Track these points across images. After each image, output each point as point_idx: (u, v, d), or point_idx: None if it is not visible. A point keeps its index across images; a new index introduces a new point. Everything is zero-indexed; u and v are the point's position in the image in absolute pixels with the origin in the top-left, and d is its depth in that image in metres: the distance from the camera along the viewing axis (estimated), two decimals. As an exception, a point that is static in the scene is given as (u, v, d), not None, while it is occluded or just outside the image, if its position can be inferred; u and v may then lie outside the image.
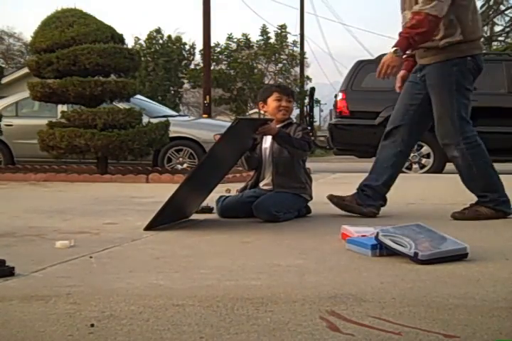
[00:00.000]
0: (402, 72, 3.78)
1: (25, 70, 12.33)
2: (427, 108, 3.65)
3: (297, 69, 25.97)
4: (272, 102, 3.83)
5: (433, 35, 3.49)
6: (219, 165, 3.65)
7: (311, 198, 3.86)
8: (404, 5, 3.63)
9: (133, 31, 50.63)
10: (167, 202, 3.24)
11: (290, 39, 24.73)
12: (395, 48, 3.38)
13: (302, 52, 25.36)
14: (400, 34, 3.43)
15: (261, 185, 3.88)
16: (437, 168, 8.77)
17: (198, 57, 25.36)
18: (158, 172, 7.48)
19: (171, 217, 3.47)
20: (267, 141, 3.82)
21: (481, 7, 22.52)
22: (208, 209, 3.93)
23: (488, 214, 3.56)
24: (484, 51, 19.13)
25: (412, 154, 8.83)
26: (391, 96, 8.86)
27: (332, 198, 3.87)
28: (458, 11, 3.48)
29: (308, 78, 26.69)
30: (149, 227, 3.25)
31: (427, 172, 8.70)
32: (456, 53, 3.53)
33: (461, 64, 3.54)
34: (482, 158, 3.60)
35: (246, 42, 24.23)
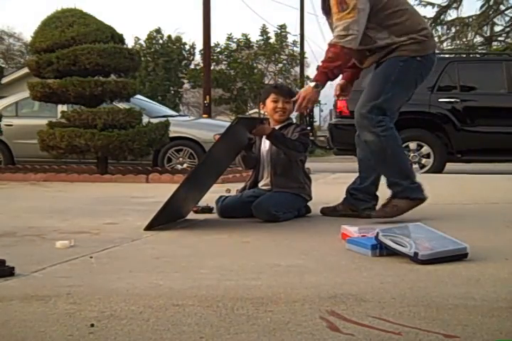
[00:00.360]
0: (341, 82, 3.86)
1: (25, 70, 12.35)
2: None
3: (297, 69, 25.97)
4: (269, 103, 3.83)
5: (347, 66, 3.62)
6: (216, 164, 3.66)
7: (311, 198, 3.86)
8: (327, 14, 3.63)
9: (133, 31, 50.64)
10: (167, 202, 3.24)
11: (290, 39, 24.76)
12: (314, 83, 3.46)
13: (302, 52, 25.35)
14: (318, 68, 3.48)
15: (260, 185, 3.89)
16: (437, 168, 8.77)
17: (198, 57, 25.38)
18: (158, 172, 7.48)
19: (169, 217, 3.47)
20: (266, 141, 3.82)
21: (481, 7, 22.54)
22: (208, 209, 3.93)
23: (406, 208, 3.52)
24: (484, 51, 19.06)
25: (412, 154, 8.85)
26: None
27: (325, 212, 3.85)
28: (389, 18, 3.49)
29: (308, 78, 26.66)
30: (149, 227, 3.25)
31: (427, 172, 8.70)
32: (407, 52, 3.52)
33: (410, 62, 3.53)
34: (396, 141, 3.57)
35: (246, 42, 24.22)
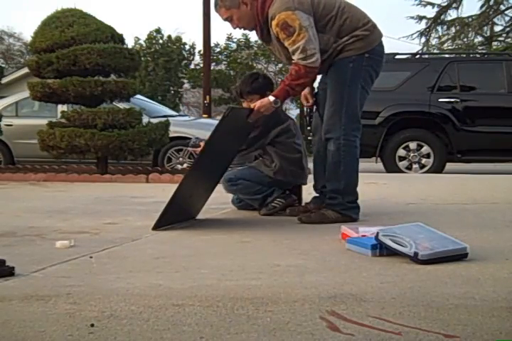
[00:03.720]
0: (306, 90, 3.79)
1: (25, 70, 12.36)
2: None
3: (297, 69, 25.90)
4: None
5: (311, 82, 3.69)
6: (219, 157, 3.66)
7: (286, 180, 3.94)
8: (284, 60, 3.67)
9: (133, 31, 50.60)
10: (171, 199, 3.24)
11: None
12: (274, 99, 3.45)
13: (302, 52, 25.28)
14: (281, 84, 3.49)
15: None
16: (437, 168, 8.77)
17: (197, 57, 25.39)
18: (158, 172, 7.47)
19: (177, 216, 3.46)
20: None
21: (481, 7, 22.51)
22: None
23: (333, 218, 3.50)
24: (484, 51, 19.03)
25: (412, 154, 8.85)
26: (391, 97, 8.96)
27: (301, 219, 3.61)
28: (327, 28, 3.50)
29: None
30: (157, 227, 3.25)
31: (427, 172, 8.70)
32: (354, 51, 3.52)
33: (359, 60, 3.54)
34: (353, 158, 3.58)
35: (246, 43, 24.22)
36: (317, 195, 3.84)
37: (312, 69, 3.42)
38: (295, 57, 3.41)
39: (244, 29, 3.63)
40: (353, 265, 2.35)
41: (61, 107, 8.95)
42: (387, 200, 4.40)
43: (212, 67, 19.85)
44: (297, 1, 3.44)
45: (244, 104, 3.93)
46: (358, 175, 3.61)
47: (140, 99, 10.01)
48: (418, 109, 8.90)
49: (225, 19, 3.57)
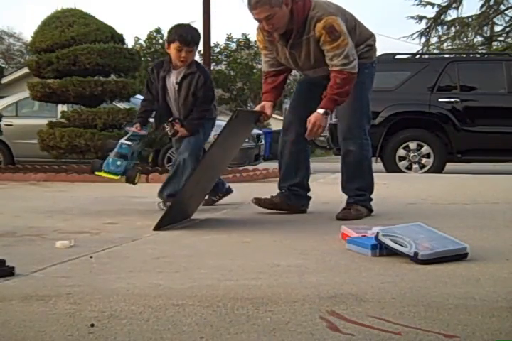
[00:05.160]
0: (264, 103, 3.75)
1: (25, 70, 12.37)
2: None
3: (297, 69, 25.92)
4: (173, 50, 3.97)
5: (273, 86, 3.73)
6: (221, 158, 3.68)
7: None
8: (300, 65, 3.67)
9: (133, 31, 50.60)
10: (175, 199, 3.25)
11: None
12: (324, 110, 3.48)
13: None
14: (326, 96, 3.50)
15: None
16: (437, 168, 8.77)
17: (197, 58, 25.37)
18: (158, 172, 7.47)
19: (177, 217, 3.47)
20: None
21: (481, 7, 22.50)
22: None
23: (365, 213, 3.75)
24: (484, 51, 19.04)
25: (412, 154, 8.85)
26: (391, 97, 8.96)
27: (259, 202, 3.89)
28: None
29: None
30: (158, 227, 3.25)
31: (427, 172, 8.70)
32: (367, 59, 3.72)
33: (371, 68, 3.78)
34: (371, 156, 3.85)
35: (246, 43, 24.21)
36: (282, 191, 3.93)
37: (354, 75, 3.49)
38: (336, 62, 3.47)
39: (275, 30, 3.52)
40: (353, 265, 2.35)
41: (61, 107, 8.94)
42: (387, 200, 4.40)
43: (212, 67, 19.85)
44: (336, 8, 3.57)
45: (183, 53, 3.95)
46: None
47: (140, 99, 10.00)
48: (418, 109, 8.91)
49: (264, 17, 3.39)
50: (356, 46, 3.60)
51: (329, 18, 3.43)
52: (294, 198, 3.91)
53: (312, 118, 3.50)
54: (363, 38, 3.69)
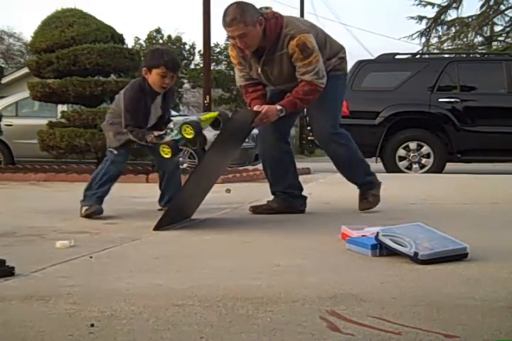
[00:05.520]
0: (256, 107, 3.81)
1: (25, 70, 12.38)
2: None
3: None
4: (155, 75, 3.76)
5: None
6: (221, 158, 3.70)
7: None
8: (273, 81, 3.74)
9: (133, 31, 50.58)
10: (175, 200, 3.25)
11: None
12: (280, 108, 3.56)
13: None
14: (289, 97, 3.61)
15: None
16: (437, 168, 8.77)
17: (197, 57, 25.39)
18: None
19: (176, 217, 3.47)
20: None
21: (481, 7, 22.50)
22: None
23: (379, 192, 4.05)
24: (484, 51, 19.04)
25: (412, 154, 8.85)
26: (391, 96, 8.96)
27: (257, 210, 3.95)
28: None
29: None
30: (158, 227, 3.25)
31: (427, 172, 8.70)
32: (341, 71, 3.88)
33: (344, 79, 3.97)
34: (355, 146, 3.98)
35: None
36: (278, 195, 3.99)
37: (321, 89, 3.63)
38: (307, 77, 3.59)
39: (247, 48, 3.58)
40: (353, 265, 2.35)
41: (61, 107, 8.95)
42: (387, 200, 4.39)
43: (212, 67, 19.85)
44: (308, 24, 3.72)
45: (167, 79, 3.80)
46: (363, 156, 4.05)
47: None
48: (418, 109, 8.90)
49: (238, 35, 3.48)
50: (329, 59, 3.75)
51: (302, 36, 3.55)
52: (291, 200, 3.96)
53: (266, 107, 3.56)
54: (335, 51, 3.81)
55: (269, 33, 3.54)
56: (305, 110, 4.08)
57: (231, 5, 3.51)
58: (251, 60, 3.69)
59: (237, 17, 3.45)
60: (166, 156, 3.50)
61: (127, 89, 3.87)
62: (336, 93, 3.84)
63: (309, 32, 3.60)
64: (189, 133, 3.43)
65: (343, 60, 3.90)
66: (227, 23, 3.49)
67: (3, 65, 14.93)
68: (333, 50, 3.80)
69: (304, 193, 4.03)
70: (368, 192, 4.00)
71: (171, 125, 3.66)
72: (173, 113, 11.14)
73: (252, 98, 3.78)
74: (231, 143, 3.77)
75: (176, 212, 3.46)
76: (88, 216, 3.74)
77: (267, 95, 3.86)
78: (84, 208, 3.80)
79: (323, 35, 3.77)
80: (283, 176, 3.96)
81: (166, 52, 3.90)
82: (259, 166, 8.91)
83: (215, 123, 3.54)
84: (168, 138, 3.56)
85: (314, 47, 3.57)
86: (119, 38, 8.03)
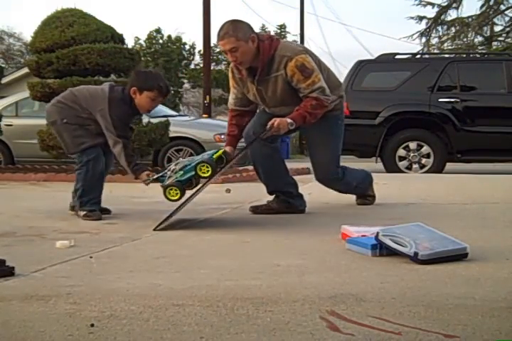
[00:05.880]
0: (230, 149, 3.82)
1: (25, 70, 12.39)
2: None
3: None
4: (146, 98, 3.77)
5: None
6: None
7: None
8: (267, 102, 3.79)
9: (133, 31, 50.57)
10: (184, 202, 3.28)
11: (290, 39, 24.73)
12: (291, 121, 3.56)
13: (302, 52, 25.30)
14: (299, 110, 3.61)
15: None
16: (437, 168, 8.76)
17: (197, 57, 25.40)
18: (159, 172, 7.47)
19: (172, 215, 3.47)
20: None
21: (481, 7, 22.49)
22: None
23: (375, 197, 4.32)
24: (484, 51, 19.04)
25: (412, 154, 8.84)
26: (391, 96, 8.96)
27: (257, 210, 3.97)
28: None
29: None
30: (158, 227, 3.25)
31: (427, 172, 8.69)
32: (339, 111, 3.97)
33: (342, 118, 4.05)
34: (352, 174, 4.13)
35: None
36: (277, 196, 4.01)
37: (327, 107, 3.69)
38: (314, 94, 3.62)
39: (239, 64, 3.64)
40: (353, 265, 2.35)
41: (61, 107, 8.93)
42: (387, 200, 4.39)
43: (212, 67, 19.85)
44: (303, 47, 3.83)
45: (155, 103, 3.88)
46: (360, 174, 4.21)
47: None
48: (418, 109, 8.90)
49: (229, 49, 3.54)
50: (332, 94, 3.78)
51: (299, 57, 3.60)
52: (291, 200, 3.97)
53: (278, 119, 3.58)
54: (334, 85, 3.84)
55: (262, 52, 3.60)
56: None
57: (226, 22, 3.62)
58: (247, 81, 3.75)
59: (229, 32, 3.54)
60: (173, 198, 3.40)
61: (117, 98, 3.77)
62: (337, 133, 3.96)
63: (306, 53, 3.67)
64: (205, 172, 3.40)
65: (342, 98, 3.96)
66: (220, 37, 3.59)
67: (3, 65, 14.92)
68: (332, 83, 3.81)
69: (302, 193, 4.03)
70: (365, 194, 4.22)
71: (172, 166, 3.55)
72: (173, 113, 11.18)
73: (232, 123, 3.91)
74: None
75: (176, 213, 3.46)
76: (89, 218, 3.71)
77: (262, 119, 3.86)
78: (83, 213, 3.76)
79: (317, 61, 3.78)
80: (276, 174, 3.98)
81: (160, 77, 3.87)
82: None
83: (219, 161, 3.53)
84: (171, 181, 3.45)
85: (314, 67, 3.63)
86: (119, 38, 8.02)
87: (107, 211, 3.95)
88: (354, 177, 4.13)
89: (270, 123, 3.57)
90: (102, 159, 3.85)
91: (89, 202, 3.81)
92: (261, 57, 3.61)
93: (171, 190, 3.40)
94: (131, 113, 3.86)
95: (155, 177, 3.63)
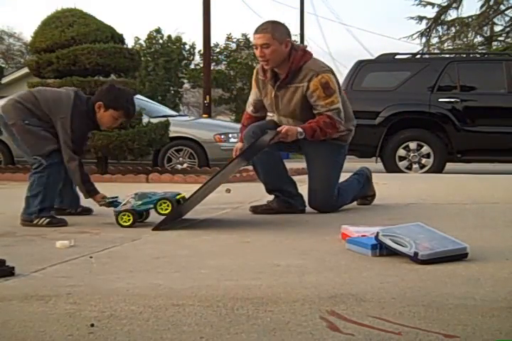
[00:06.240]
0: (241, 145, 3.97)
1: (25, 70, 12.40)
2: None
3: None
4: (109, 116, 3.65)
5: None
6: (232, 171, 3.85)
7: None
8: (280, 108, 3.83)
9: (133, 31, 50.58)
10: (186, 201, 3.29)
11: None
12: (301, 130, 3.60)
13: (302, 52, 25.29)
14: (311, 123, 3.66)
15: None
16: (437, 168, 8.77)
17: (197, 57, 25.39)
18: (158, 172, 7.48)
19: (174, 217, 3.47)
20: None
21: (481, 7, 22.48)
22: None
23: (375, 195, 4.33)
24: (484, 51, 19.08)
25: (412, 154, 8.85)
26: (391, 96, 8.96)
27: (257, 210, 3.97)
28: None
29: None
30: (158, 227, 3.25)
31: (427, 172, 8.69)
32: (345, 142, 3.97)
33: (346, 150, 4.05)
34: (344, 198, 4.03)
35: (246, 43, 24.21)
36: (277, 194, 4.02)
37: (340, 128, 3.74)
38: (329, 113, 3.67)
39: (266, 64, 3.70)
40: (353, 265, 2.35)
41: (61, 107, 8.93)
42: (387, 200, 4.40)
43: (212, 67, 19.86)
44: (330, 67, 3.83)
45: (117, 123, 3.75)
46: (353, 189, 4.12)
47: (140, 99, 9.99)
48: (418, 109, 8.90)
49: (261, 44, 3.62)
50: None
51: (326, 75, 3.68)
52: (291, 200, 3.98)
53: (287, 126, 3.62)
54: (348, 116, 3.88)
55: (292, 60, 3.67)
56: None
57: (268, 20, 3.73)
58: (268, 84, 3.81)
59: (268, 28, 3.63)
60: (124, 224, 3.38)
61: (81, 109, 3.62)
62: (340, 161, 3.97)
63: (332, 73, 3.74)
64: (164, 209, 3.40)
65: (351, 132, 3.97)
66: (257, 30, 3.68)
67: (3, 65, 14.93)
68: (347, 114, 3.85)
69: (302, 193, 4.03)
70: (364, 195, 4.22)
71: (131, 195, 3.50)
72: (173, 113, 11.18)
73: (244, 125, 4.04)
74: (247, 160, 3.89)
75: (176, 214, 3.46)
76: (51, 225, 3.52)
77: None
78: (47, 221, 3.52)
79: (339, 86, 3.83)
80: (275, 172, 3.98)
81: (131, 98, 3.75)
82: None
83: (178, 202, 3.50)
84: (127, 207, 3.44)
85: (336, 88, 3.71)
86: (119, 38, 8.02)
87: (88, 211, 3.96)
88: (347, 197, 4.04)
89: (279, 128, 3.58)
90: (63, 164, 3.63)
91: (47, 209, 3.60)
92: (289, 65, 3.68)
93: (124, 215, 3.40)
94: (91, 127, 3.76)
95: (110, 200, 3.62)
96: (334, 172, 3.92)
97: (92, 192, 3.68)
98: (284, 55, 3.66)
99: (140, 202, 3.44)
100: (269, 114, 4.04)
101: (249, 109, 4.08)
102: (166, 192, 3.55)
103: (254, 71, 3.97)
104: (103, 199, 3.65)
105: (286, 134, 3.56)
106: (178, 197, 3.48)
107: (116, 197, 3.64)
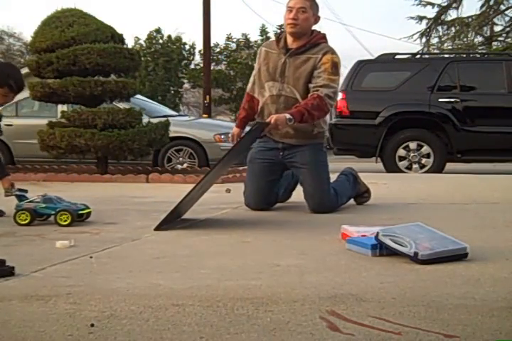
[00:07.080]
0: (237, 130, 4.14)
1: (25, 70, 12.38)
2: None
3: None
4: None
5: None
6: (226, 165, 3.79)
7: None
8: (285, 75, 3.88)
9: (133, 31, 50.54)
10: (180, 202, 3.27)
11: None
12: (290, 117, 3.59)
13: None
14: (298, 107, 3.68)
15: None
16: (437, 168, 8.77)
17: (197, 57, 25.39)
18: (158, 172, 7.47)
19: (174, 217, 3.47)
20: None
21: (481, 7, 22.48)
22: None
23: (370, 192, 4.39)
24: (484, 51, 19.09)
25: (412, 154, 8.85)
26: (391, 96, 8.96)
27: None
28: None
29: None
30: (158, 227, 3.25)
31: (427, 172, 8.70)
32: (323, 139, 4.06)
33: (324, 147, 4.09)
34: (342, 199, 4.09)
35: (246, 43, 24.20)
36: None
37: (328, 110, 3.84)
38: (323, 90, 3.72)
39: (293, 26, 3.80)
40: (353, 265, 2.35)
41: (61, 107, 8.94)
42: (387, 200, 4.40)
43: (212, 67, 19.85)
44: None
45: (9, 99, 3.67)
46: (348, 188, 4.17)
47: (140, 99, 10.00)
48: (418, 109, 8.91)
49: (298, 7, 3.78)
50: (323, 125, 4.01)
51: (337, 58, 3.84)
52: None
53: (275, 115, 3.61)
54: (324, 119, 4.00)
55: (314, 35, 3.88)
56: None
57: None
58: (275, 54, 3.90)
59: None
60: (21, 223, 3.44)
61: None
62: (325, 161, 4.01)
63: (340, 64, 3.89)
64: (63, 220, 3.43)
65: (325, 131, 4.10)
66: None
67: (3, 65, 14.92)
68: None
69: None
70: (359, 193, 4.29)
71: (40, 195, 3.55)
72: (173, 113, 11.18)
73: (244, 107, 4.11)
74: (240, 153, 3.95)
75: (176, 213, 3.46)
76: None
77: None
78: None
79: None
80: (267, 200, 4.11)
81: (14, 73, 3.64)
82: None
83: (81, 216, 3.52)
84: (30, 206, 3.51)
85: (339, 74, 3.86)
86: (119, 38, 8.02)
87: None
88: (343, 196, 4.08)
89: (268, 119, 3.61)
90: None
91: None
92: (309, 38, 3.85)
93: (23, 214, 3.47)
94: None
95: (17, 193, 3.67)
96: (324, 174, 3.97)
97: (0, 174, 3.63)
98: (310, 26, 3.87)
99: (44, 205, 3.51)
100: (265, 86, 3.95)
101: (249, 91, 4.10)
102: (75, 203, 3.57)
103: (259, 51, 4.06)
104: (11, 189, 3.66)
105: (275, 124, 3.57)
106: (83, 211, 3.52)
107: (26, 192, 3.69)
